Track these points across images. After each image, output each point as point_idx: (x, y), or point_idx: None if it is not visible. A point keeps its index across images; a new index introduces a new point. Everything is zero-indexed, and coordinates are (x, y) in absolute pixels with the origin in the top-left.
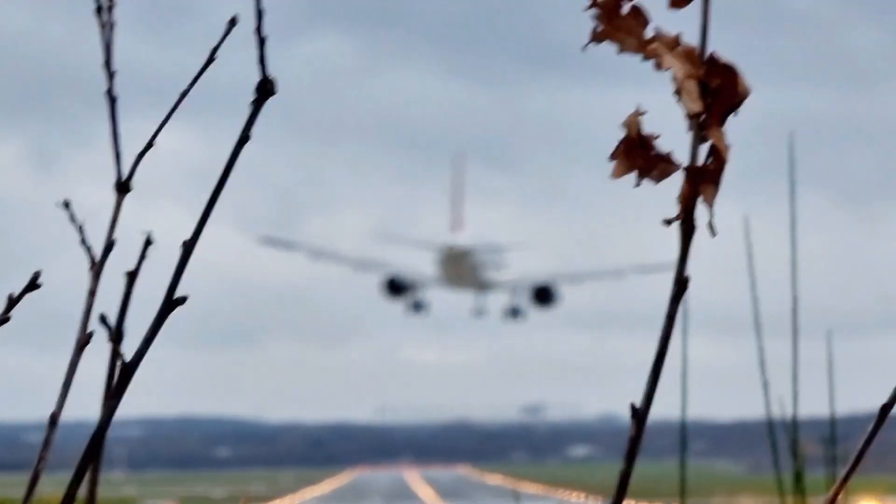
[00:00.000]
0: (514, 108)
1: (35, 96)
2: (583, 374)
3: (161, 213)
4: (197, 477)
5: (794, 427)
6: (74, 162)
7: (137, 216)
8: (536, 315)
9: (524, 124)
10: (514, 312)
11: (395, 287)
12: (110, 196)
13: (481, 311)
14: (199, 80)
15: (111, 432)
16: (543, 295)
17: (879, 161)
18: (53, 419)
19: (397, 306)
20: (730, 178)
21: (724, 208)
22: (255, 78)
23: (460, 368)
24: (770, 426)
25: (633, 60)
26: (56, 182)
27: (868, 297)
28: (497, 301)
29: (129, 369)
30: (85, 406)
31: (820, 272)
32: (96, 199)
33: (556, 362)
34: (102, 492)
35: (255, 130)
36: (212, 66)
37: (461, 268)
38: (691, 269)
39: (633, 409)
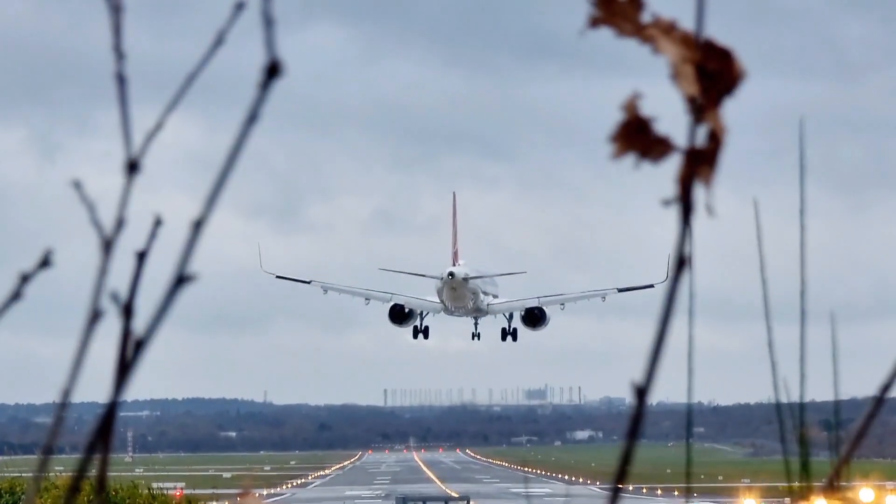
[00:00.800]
0: (509, 97)
1: (37, 85)
2: (585, 361)
3: (165, 200)
4: (204, 459)
5: (800, 410)
6: (76, 150)
7: (143, 203)
8: (528, 334)
9: (519, 113)
10: (508, 334)
11: (401, 314)
12: (111, 182)
13: (478, 336)
14: (202, 71)
15: (120, 415)
16: (533, 317)
17: (869, 151)
18: (65, 394)
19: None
20: (728, 165)
21: (719, 197)
22: (254, 69)
23: (465, 354)
24: (777, 409)
25: (628, 52)
26: (58, 169)
27: (860, 285)
28: (494, 323)
29: (141, 344)
30: (96, 390)
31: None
32: (97, 185)
33: (560, 348)
34: (111, 473)
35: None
36: (212, 58)
37: (461, 293)
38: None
39: (635, 386)
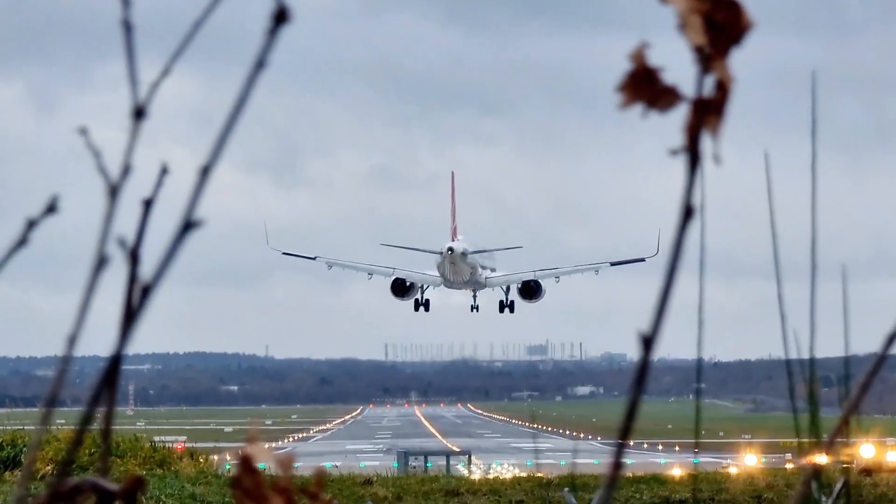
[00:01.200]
0: (507, 53)
1: (35, 39)
2: (587, 317)
3: (167, 154)
4: (206, 412)
5: (811, 365)
6: (74, 104)
7: (145, 157)
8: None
9: (518, 70)
10: (504, 307)
11: (402, 288)
12: (111, 136)
13: (477, 308)
14: (203, 29)
15: (122, 368)
16: (530, 290)
17: (868, 109)
18: (71, 340)
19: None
20: (729, 123)
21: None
22: (255, 27)
23: (466, 310)
24: (787, 364)
25: (627, 8)
26: (56, 123)
27: (859, 243)
28: (492, 295)
29: (147, 290)
30: (99, 344)
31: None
32: (98, 138)
33: (561, 305)
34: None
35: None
36: (212, 13)
37: (459, 267)
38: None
39: (641, 335)
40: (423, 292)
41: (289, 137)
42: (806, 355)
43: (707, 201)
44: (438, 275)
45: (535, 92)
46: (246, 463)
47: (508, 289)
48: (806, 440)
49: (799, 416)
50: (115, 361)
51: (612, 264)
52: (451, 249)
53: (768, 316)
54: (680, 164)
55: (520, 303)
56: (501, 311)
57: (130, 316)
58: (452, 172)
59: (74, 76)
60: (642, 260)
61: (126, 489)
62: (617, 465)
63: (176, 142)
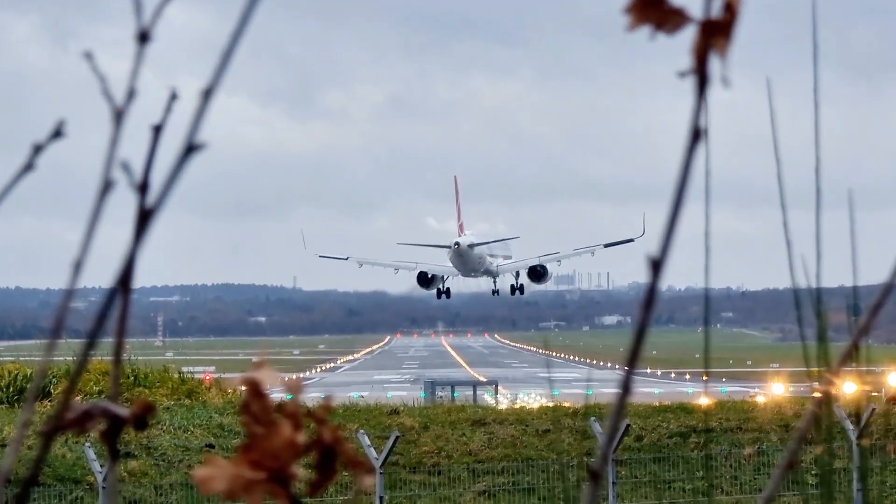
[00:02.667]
0: None
1: None
2: (614, 247)
3: (180, 85)
4: (234, 343)
5: (818, 294)
6: (87, 35)
7: (151, 87)
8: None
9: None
10: (516, 290)
11: (426, 279)
12: (124, 68)
13: (497, 292)
14: None
15: (150, 300)
16: (536, 273)
17: (881, 35)
18: (77, 266)
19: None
20: (739, 50)
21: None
22: None
23: (495, 237)
24: (795, 293)
25: None
26: (71, 55)
27: (873, 170)
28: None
29: (150, 214)
30: (106, 275)
31: (825, 145)
32: (110, 70)
33: (589, 234)
34: (141, 357)
35: (269, 4)
36: None
37: (468, 259)
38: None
39: (651, 260)
40: (444, 282)
41: (302, 68)
42: (833, 284)
43: (728, 130)
44: (453, 265)
45: (547, 21)
46: (254, 388)
47: (518, 274)
48: (821, 369)
49: (823, 346)
50: (130, 264)
51: (606, 246)
52: (457, 244)
53: (798, 244)
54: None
55: (529, 285)
56: (513, 293)
57: (135, 239)
58: (455, 176)
59: (88, 8)
60: (631, 240)
61: (136, 414)
62: (626, 389)
63: (191, 74)
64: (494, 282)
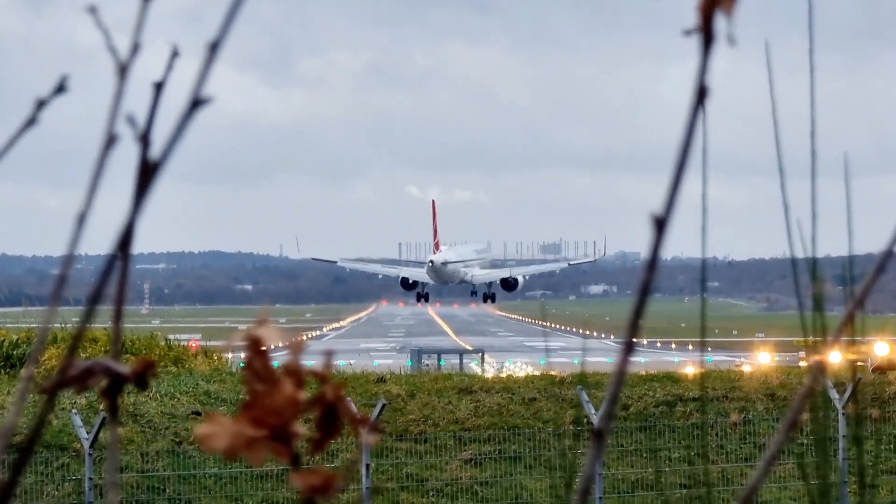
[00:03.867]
0: None
1: None
2: (600, 215)
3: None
4: (220, 311)
5: (813, 264)
6: (63, 2)
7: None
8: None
9: None
10: (488, 298)
11: (408, 284)
12: (96, 35)
13: (475, 293)
14: None
15: (137, 267)
16: (508, 284)
17: (862, 3)
18: (81, 218)
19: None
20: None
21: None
22: None
23: (479, 208)
24: (792, 263)
25: None
26: (46, 21)
27: (857, 139)
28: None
29: (155, 168)
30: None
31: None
32: (94, 40)
33: (575, 203)
34: (128, 325)
35: None
36: None
37: (442, 273)
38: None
39: (654, 217)
40: (423, 287)
41: (279, 35)
42: (819, 254)
43: (719, 102)
44: (430, 276)
45: None
46: (255, 345)
47: (490, 284)
48: (815, 339)
49: (804, 315)
50: (129, 228)
51: (570, 263)
52: (431, 262)
53: (779, 213)
54: (671, 60)
55: (500, 294)
56: (485, 301)
57: (139, 193)
58: (433, 200)
59: None
60: (594, 261)
61: (137, 371)
62: (628, 349)
63: (167, 37)
64: (473, 286)
